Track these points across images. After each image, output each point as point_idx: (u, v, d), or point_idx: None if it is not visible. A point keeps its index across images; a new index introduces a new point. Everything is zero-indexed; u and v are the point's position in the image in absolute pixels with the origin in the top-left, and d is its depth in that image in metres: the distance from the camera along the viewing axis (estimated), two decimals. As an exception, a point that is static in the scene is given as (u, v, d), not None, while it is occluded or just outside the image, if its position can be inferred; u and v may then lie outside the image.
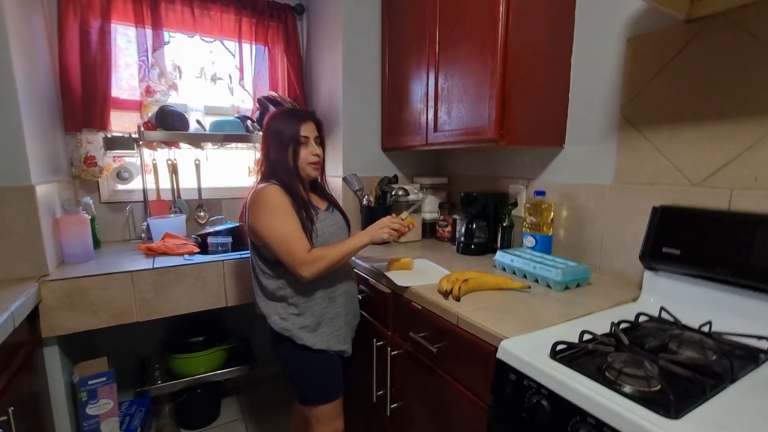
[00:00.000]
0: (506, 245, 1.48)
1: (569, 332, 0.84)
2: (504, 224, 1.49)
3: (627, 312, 0.97)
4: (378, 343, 1.33)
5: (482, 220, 1.56)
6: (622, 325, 0.87)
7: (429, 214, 1.90)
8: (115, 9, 1.70)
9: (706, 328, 0.86)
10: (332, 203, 1.32)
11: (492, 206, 1.57)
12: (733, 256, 0.87)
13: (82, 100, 1.67)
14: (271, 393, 2.15)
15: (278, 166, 1.17)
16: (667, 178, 1.08)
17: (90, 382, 1.42)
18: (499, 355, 0.82)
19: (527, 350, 0.78)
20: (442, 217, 1.82)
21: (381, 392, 1.35)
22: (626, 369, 0.69)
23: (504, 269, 1.31)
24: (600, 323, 0.89)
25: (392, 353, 1.27)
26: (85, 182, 1.77)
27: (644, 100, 1.12)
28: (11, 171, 1.23)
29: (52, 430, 1.35)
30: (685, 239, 0.95)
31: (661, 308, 0.95)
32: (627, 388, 0.65)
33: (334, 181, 1.91)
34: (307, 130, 1.19)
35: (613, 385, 0.66)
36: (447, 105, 1.43)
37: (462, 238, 1.58)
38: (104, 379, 1.45)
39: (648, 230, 1.03)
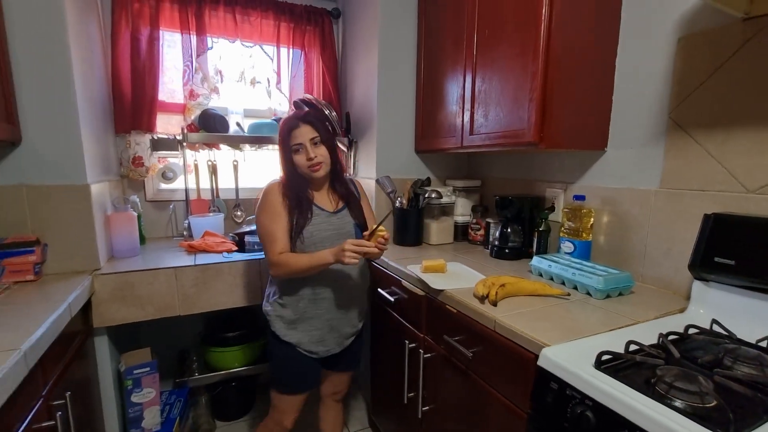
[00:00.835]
0: (542, 250, 1.45)
1: (613, 342, 0.82)
2: (540, 229, 1.45)
3: (674, 323, 0.93)
4: (410, 345, 1.34)
5: (517, 224, 1.53)
6: (671, 337, 0.84)
7: (461, 217, 1.89)
8: (163, 16, 1.79)
9: (764, 344, 0.82)
10: (347, 203, 1.31)
11: (528, 210, 1.55)
12: (796, 268, 0.82)
13: (132, 104, 1.77)
14: (301, 390, 2.19)
15: (284, 167, 1.25)
16: (720, 185, 1.02)
17: (135, 371, 1.50)
18: (541, 362, 0.80)
19: (570, 359, 0.76)
20: (474, 221, 1.80)
21: (412, 394, 1.35)
22: (678, 383, 0.66)
23: (541, 275, 1.29)
24: (646, 334, 0.86)
25: (425, 356, 1.27)
26: (133, 181, 1.87)
27: (696, 102, 1.07)
28: (70, 171, 1.32)
29: (101, 415, 1.43)
30: (741, 249, 0.90)
31: (713, 321, 0.91)
32: (679, 403, 0.63)
33: (367, 182, 1.92)
34: (301, 135, 1.19)
35: (663, 399, 0.64)
36: (484, 107, 1.42)
37: (496, 242, 1.56)
38: (148, 369, 1.52)
39: (699, 238, 0.99)
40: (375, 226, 1.15)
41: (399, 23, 1.79)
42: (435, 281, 1.24)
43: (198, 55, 1.86)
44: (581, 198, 1.34)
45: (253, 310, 2.04)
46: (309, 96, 2.03)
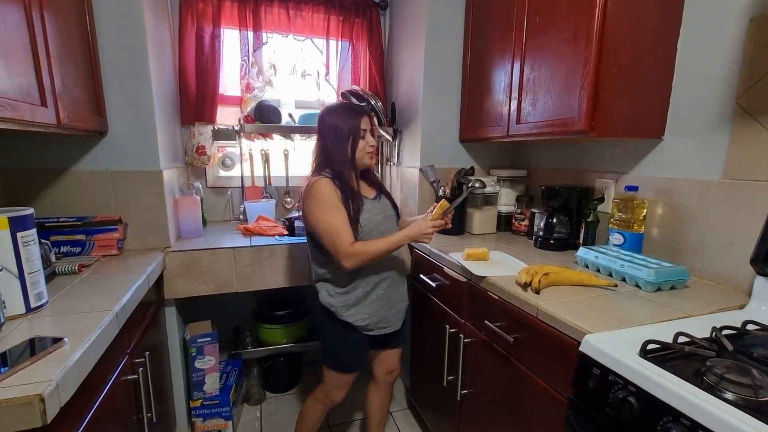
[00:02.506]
0: (590, 242, 1.42)
1: (661, 333, 0.80)
2: (588, 219, 1.42)
3: (731, 319, 0.89)
4: (451, 330, 1.37)
5: (564, 215, 1.51)
6: (725, 332, 0.81)
7: (505, 207, 1.87)
8: (224, 14, 1.91)
9: (832, 344, 0.77)
10: (380, 190, 1.38)
11: (575, 201, 1.51)
12: None
13: (196, 97, 1.92)
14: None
15: (335, 157, 1.25)
16: (792, 175, 0.96)
17: (198, 341, 1.65)
18: (583, 348, 0.81)
19: (613, 346, 0.77)
20: (519, 211, 1.79)
21: (451, 377, 1.39)
22: (729, 375, 0.65)
23: (587, 266, 1.27)
24: (698, 327, 0.84)
25: (465, 341, 1.30)
26: (195, 169, 2.04)
27: (766, 87, 1.00)
28: (146, 158, 1.47)
29: (170, 377, 1.60)
30: (812, 243, 0.85)
31: (775, 318, 0.86)
32: (729, 395, 0.62)
33: (410, 172, 1.96)
34: (365, 123, 1.27)
35: (712, 390, 0.63)
36: (532, 95, 1.40)
37: (541, 232, 1.55)
38: (209, 339, 1.67)
39: (764, 231, 0.93)
40: (451, 206, 1.28)
41: (446, 12, 1.79)
42: (477, 268, 1.26)
43: (254, 50, 1.97)
44: (634, 188, 1.29)
45: (300, 292, 2.17)
46: (356, 87, 2.09)
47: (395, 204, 1.41)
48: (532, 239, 1.65)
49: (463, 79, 1.85)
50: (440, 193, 1.83)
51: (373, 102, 1.97)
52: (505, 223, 1.87)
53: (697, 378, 0.67)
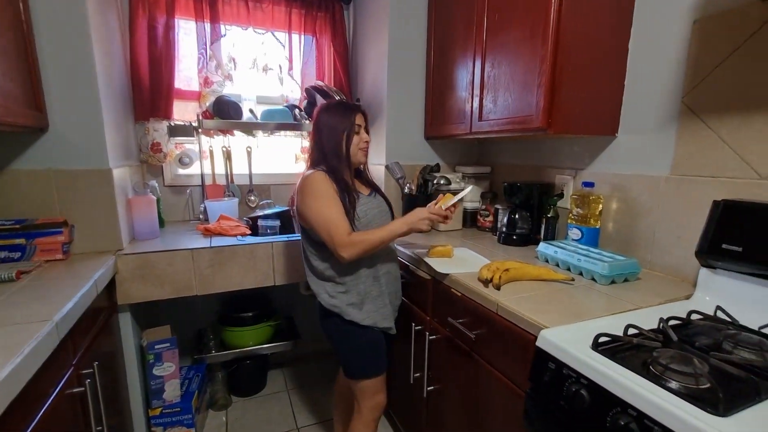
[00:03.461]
0: (550, 237, 1.46)
1: (613, 326, 0.83)
2: (548, 215, 1.46)
3: (678, 309, 0.94)
4: (416, 328, 1.37)
5: (525, 211, 1.54)
6: (672, 322, 0.84)
7: (470, 204, 1.89)
8: (179, 4, 1.82)
9: (767, 330, 0.82)
10: (374, 189, 1.36)
11: (536, 197, 1.55)
12: (803, 256, 0.81)
13: (150, 91, 1.82)
14: (313, 368, 2.27)
15: (330, 153, 1.23)
16: (732, 171, 1.01)
17: (156, 347, 1.58)
18: (539, 343, 0.82)
19: (568, 340, 0.78)
20: (483, 207, 1.81)
21: (418, 374, 1.39)
22: (673, 365, 0.67)
23: (547, 261, 1.30)
24: (647, 319, 0.87)
25: (430, 338, 1.31)
26: (151, 167, 1.94)
27: (710, 86, 1.05)
28: (93, 156, 1.38)
29: (125, 385, 1.52)
30: (749, 236, 0.90)
31: (717, 307, 0.91)
32: (673, 384, 0.64)
33: (377, 168, 1.95)
34: (359, 119, 1.26)
35: (658, 380, 0.66)
36: (493, 93, 1.41)
37: (504, 228, 1.57)
38: (168, 344, 1.60)
39: (707, 225, 0.98)
40: (455, 199, 1.27)
41: (409, 8, 1.78)
42: (441, 265, 1.26)
43: (212, 43, 1.89)
44: (590, 185, 1.33)
45: (267, 292, 2.12)
46: (320, 83, 2.05)
47: (390, 203, 1.39)
48: (496, 235, 1.67)
49: (427, 76, 1.85)
50: (406, 190, 1.83)
51: (337, 98, 1.94)
52: (471, 219, 1.89)
53: (644, 369, 0.69)
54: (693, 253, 1.07)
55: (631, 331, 0.80)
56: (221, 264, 1.59)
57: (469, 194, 1.86)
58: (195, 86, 1.96)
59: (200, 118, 1.84)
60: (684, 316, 0.88)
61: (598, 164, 1.38)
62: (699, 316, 0.89)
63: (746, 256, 0.90)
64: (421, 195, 1.81)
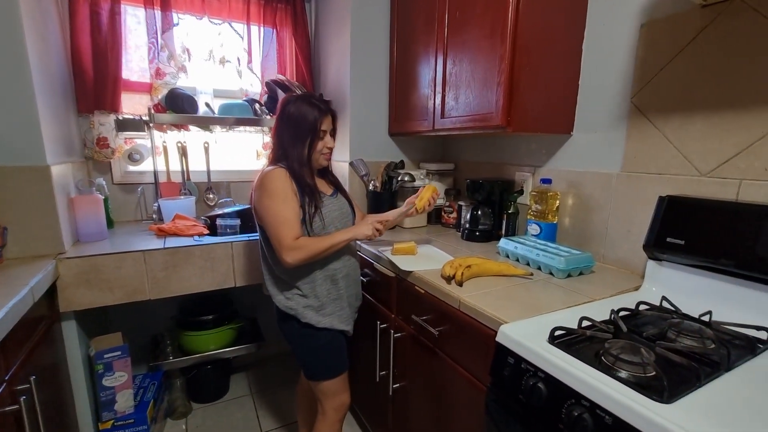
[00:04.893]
0: (511, 232, 1.49)
1: (569, 319, 0.86)
2: (509, 211, 1.49)
3: (628, 301, 0.98)
4: (381, 326, 1.37)
5: (488, 207, 1.56)
6: (622, 313, 0.88)
7: (435, 200, 1.90)
8: (125, -11, 1.70)
9: (706, 318, 0.87)
10: (337, 188, 1.33)
11: (498, 193, 1.58)
12: (738, 247, 0.87)
13: (94, 82, 1.69)
14: (278, 371, 2.22)
15: (291, 153, 1.19)
16: (676, 168, 1.07)
17: (106, 356, 1.48)
18: (499, 338, 0.84)
19: (526, 335, 0.80)
20: (447, 204, 1.83)
21: (384, 372, 1.39)
22: (623, 355, 0.70)
23: (508, 256, 1.33)
24: (600, 311, 0.91)
25: (395, 335, 1.30)
26: (98, 163, 1.81)
27: (655, 87, 1.10)
28: (28, 152, 1.27)
29: (71, 399, 1.42)
30: (691, 229, 0.95)
31: (663, 297, 0.96)
32: (623, 374, 0.67)
33: (341, 165, 1.92)
34: (326, 123, 1.20)
35: (609, 371, 0.68)
36: (455, 90, 1.42)
37: (467, 225, 1.59)
38: (119, 353, 1.51)
39: (653, 220, 1.03)
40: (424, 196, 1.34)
41: (372, 2, 1.76)
42: (404, 263, 1.26)
43: (163, 32, 1.78)
44: (548, 181, 1.37)
45: (227, 293, 2.05)
46: (281, 77, 1.99)
47: (352, 203, 1.36)
48: (460, 231, 1.69)
49: (390, 72, 1.84)
50: (370, 187, 1.81)
51: (299, 93, 1.89)
52: (435, 216, 1.90)
53: (596, 360, 0.72)
54: (641, 246, 1.13)
55: (585, 323, 0.82)
56: (176, 266, 1.51)
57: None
58: (146, 78, 1.84)
59: (152, 111, 1.74)
60: (633, 307, 0.93)
61: (555, 161, 1.43)
62: (646, 306, 0.94)
63: (688, 248, 0.95)
64: (386, 192, 1.81)
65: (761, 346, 0.77)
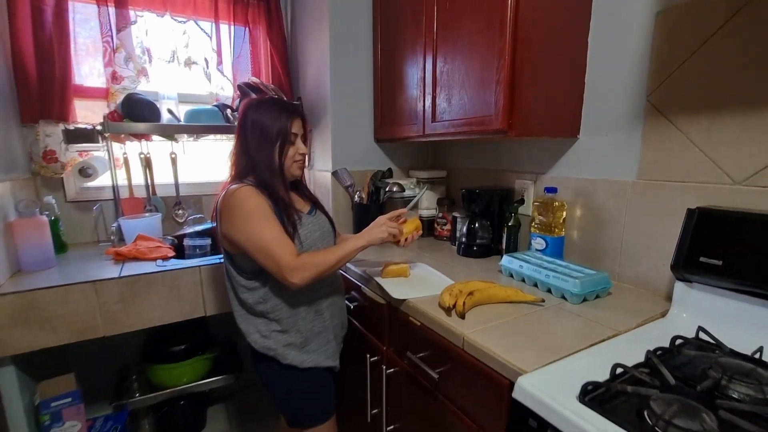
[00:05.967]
0: (512, 247, 1.34)
1: (596, 363, 0.71)
2: (509, 224, 1.34)
3: (658, 332, 0.84)
4: (372, 359, 1.20)
5: (485, 219, 1.42)
6: (659, 352, 0.74)
7: (426, 211, 1.75)
8: (72, -17, 1.51)
9: (757, 355, 0.73)
10: (315, 204, 1.17)
11: (496, 204, 1.43)
12: (789, 270, 0.74)
13: (39, 88, 1.49)
14: (260, 400, 2.03)
15: (259, 163, 1.02)
16: (704, 176, 0.94)
17: (53, 404, 1.28)
18: (517, 395, 0.68)
19: (550, 390, 0.65)
20: (440, 215, 1.68)
21: (376, 411, 1.22)
22: (677, 420, 0.55)
23: (512, 275, 1.18)
24: (631, 349, 0.76)
25: (387, 371, 1.14)
26: (49, 180, 1.60)
27: (676, 84, 0.97)
28: (-56, 171, 1.07)
29: (10, 459, 1.21)
30: (728, 247, 0.82)
31: (699, 328, 0.82)
32: (678, 445, 0.52)
33: (323, 175, 1.75)
34: (297, 126, 1.05)
35: (660, 441, 0.53)
36: (447, 91, 1.27)
37: (463, 239, 1.44)
38: (69, 399, 1.31)
39: (682, 236, 0.89)
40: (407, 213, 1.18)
41: (352, -4, 1.60)
42: (396, 289, 1.10)
43: (119, 31, 1.59)
44: (553, 190, 1.23)
45: (200, 320, 1.85)
46: (255, 79, 1.82)
47: (332, 220, 1.20)
48: (455, 244, 1.54)
49: (374, 72, 1.68)
50: (356, 198, 1.65)
51: (276, 97, 1.71)
52: (427, 228, 1.74)
53: (642, 424, 0.57)
54: (663, 263, 1.00)
55: (619, 370, 0.68)
56: (135, 297, 1.32)
57: (424, 201, 1.74)
58: (101, 82, 1.65)
59: (106, 120, 1.54)
60: (667, 341, 0.78)
61: (559, 168, 1.29)
62: (682, 341, 0.79)
63: (726, 270, 0.82)
64: (373, 204, 1.65)
65: (833, 393, 0.63)
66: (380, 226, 1.08)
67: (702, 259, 0.85)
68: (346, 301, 1.33)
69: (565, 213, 1.23)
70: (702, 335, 0.81)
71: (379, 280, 1.17)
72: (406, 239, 1.14)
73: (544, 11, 1.05)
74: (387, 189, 1.59)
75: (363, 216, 1.64)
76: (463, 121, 1.21)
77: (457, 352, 0.87)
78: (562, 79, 1.14)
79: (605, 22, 1.11)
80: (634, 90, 1.06)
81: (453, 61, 1.23)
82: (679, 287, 0.91)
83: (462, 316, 0.92)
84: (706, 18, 0.90)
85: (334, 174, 1.67)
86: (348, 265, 1.34)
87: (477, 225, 1.41)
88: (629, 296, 1.04)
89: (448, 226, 1.64)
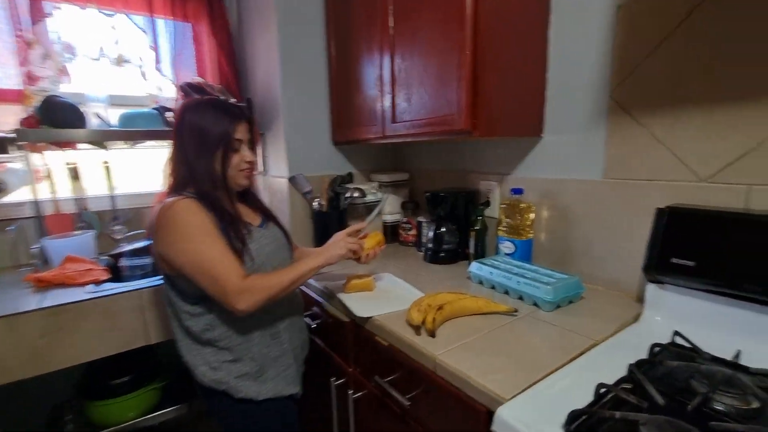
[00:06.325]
0: (480, 252, 1.29)
1: (578, 381, 0.66)
2: (476, 228, 1.29)
3: (635, 339, 0.80)
4: (337, 382, 1.11)
5: (452, 223, 1.36)
6: (640, 365, 0.69)
7: (390, 216, 1.67)
8: (-30, -32, 1.30)
9: (736, 360, 0.71)
10: (266, 215, 1.05)
11: (462, 206, 1.37)
12: (761, 269, 0.72)
13: (-68, 91, 1.27)
14: (217, 427, 1.87)
15: (199, 173, 0.90)
16: (670, 173, 0.91)
17: (-39, 464, 1.08)
18: (497, 427, 0.61)
19: (533, 420, 0.58)
20: (405, 219, 1.60)
21: (344, 438, 1.13)
22: (669, 448, 0.50)
23: (482, 282, 1.12)
24: (611, 360, 0.72)
25: (354, 396, 1.05)
26: (-49, 197, 1.37)
27: (640, 79, 0.94)
28: None
29: None
30: (701, 247, 0.79)
31: (675, 332, 0.79)
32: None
33: (279, 182, 1.63)
34: (241, 131, 0.93)
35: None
36: (406, 90, 1.19)
37: (430, 245, 1.37)
38: (-18, 456, 1.11)
39: (653, 236, 0.87)
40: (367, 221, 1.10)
41: (302, -11, 1.50)
42: (360, 304, 1.01)
43: (33, 24, 1.39)
44: (519, 191, 1.19)
45: (146, 347, 1.67)
46: (199, 79, 1.67)
47: (286, 231, 1.08)
48: (421, 250, 1.47)
49: (330, 71, 1.58)
50: (315, 205, 1.54)
51: (222, 99, 1.57)
52: (392, 234, 1.67)
53: (634, 455, 0.51)
54: (633, 264, 0.98)
55: (603, 390, 0.62)
56: (63, 329, 1.15)
57: (387, 206, 1.66)
58: (16, 83, 1.44)
59: (21, 126, 1.34)
60: (644, 347, 0.75)
61: (524, 168, 1.25)
62: (659, 348, 0.76)
63: (699, 271, 0.79)
64: (334, 211, 1.54)
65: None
66: (338, 243, 1.00)
67: (674, 260, 0.82)
68: (308, 319, 1.23)
69: (532, 215, 1.19)
70: (678, 339, 0.78)
71: (341, 295, 1.08)
72: (368, 255, 1.05)
73: (502, 2, 0.99)
74: (347, 195, 1.50)
75: (323, 224, 1.54)
76: (424, 121, 1.14)
77: (429, 376, 0.79)
78: (524, 76, 1.10)
79: (565, 16, 1.07)
80: (597, 87, 1.03)
81: (411, 58, 1.15)
82: (652, 289, 0.89)
83: (432, 334, 0.85)
84: (667, 13, 0.88)
85: (291, 180, 1.55)
86: (309, 280, 1.23)
87: (443, 230, 1.34)
88: (602, 300, 1.00)
89: (414, 231, 1.57)
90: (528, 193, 1.21)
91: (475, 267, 1.13)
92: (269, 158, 1.74)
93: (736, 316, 0.76)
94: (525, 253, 1.18)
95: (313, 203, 1.54)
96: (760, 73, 0.77)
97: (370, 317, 0.96)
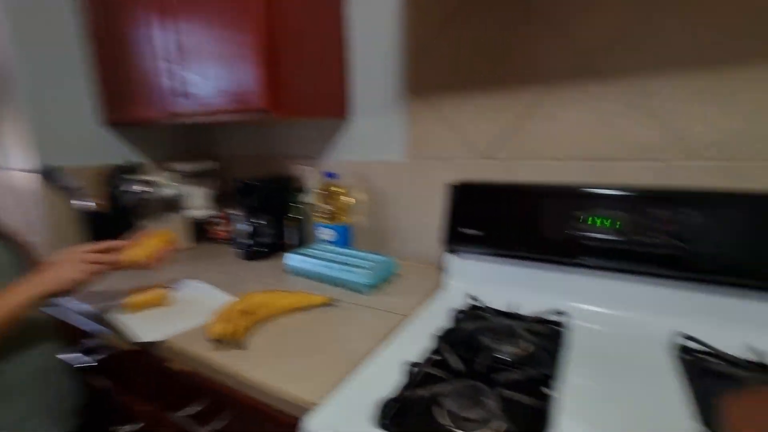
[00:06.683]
0: (300, 242, 1.21)
1: (391, 364, 0.65)
2: (294, 216, 1.20)
3: (440, 309, 0.86)
4: (128, 430, 0.87)
5: (267, 214, 1.23)
6: (443, 334, 0.73)
7: (200, 211, 1.43)
8: None
9: (514, 311, 0.82)
10: None
11: (277, 195, 1.26)
12: (528, 232, 0.84)
13: None
14: None
15: None
16: (458, 152, 1.01)
17: None
18: (305, 442, 0.54)
19: (345, 422, 0.53)
20: (219, 214, 1.39)
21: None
22: (465, 412, 0.52)
23: (302, 275, 1.04)
24: (421, 334, 0.74)
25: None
26: None
27: (429, 62, 0.99)
28: None
29: None
30: (484, 217, 0.89)
31: (468, 295, 0.87)
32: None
33: (24, 178, 1.19)
34: None
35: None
36: (197, 61, 0.99)
37: (243, 240, 1.22)
38: None
39: (447, 210, 0.94)
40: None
41: None
42: (148, 325, 0.80)
43: None
44: (333, 175, 1.15)
45: None
46: None
47: (20, 246, 0.78)
48: (237, 248, 1.30)
49: (92, 33, 1.21)
50: (83, 204, 1.18)
51: None
52: (200, 231, 1.43)
53: (436, 428, 0.52)
54: (435, 237, 1.05)
55: (414, 370, 0.62)
56: None
57: (196, 199, 1.41)
58: None
59: None
60: (449, 320, 0.80)
61: (336, 152, 1.21)
62: (462, 314, 0.82)
63: (486, 238, 0.89)
64: (116, 211, 1.22)
65: (560, 329, 0.75)
66: (72, 262, 0.72)
67: (464, 230, 0.91)
68: (82, 355, 0.93)
69: (348, 199, 1.17)
70: (470, 300, 0.87)
71: (121, 317, 0.84)
72: (154, 259, 0.84)
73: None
74: (132, 189, 1.19)
75: (102, 230, 1.19)
76: (219, 99, 0.97)
77: (236, 397, 0.67)
78: (326, 53, 1.04)
79: (360, -4, 1.05)
80: (394, 69, 1.05)
81: (201, 23, 0.96)
82: (449, 259, 0.96)
83: (241, 346, 0.72)
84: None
85: (45, 175, 1.15)
86: (76, 301, 0.93)
87: (257, 222, 1.21)
88: (414, 275, 1.05)
89: (226, 227, 1.37)
90: (343, 177, 1.18)
91: (291, 259, 1.05)
92: (7, 146, 1.25)
93: (516, 274, 0.88)
94: (345, 238, 1.16)
95: (81, 202, 1.17)
96: (519, 58, 0.88)
97: (155, 341, 0.76)
